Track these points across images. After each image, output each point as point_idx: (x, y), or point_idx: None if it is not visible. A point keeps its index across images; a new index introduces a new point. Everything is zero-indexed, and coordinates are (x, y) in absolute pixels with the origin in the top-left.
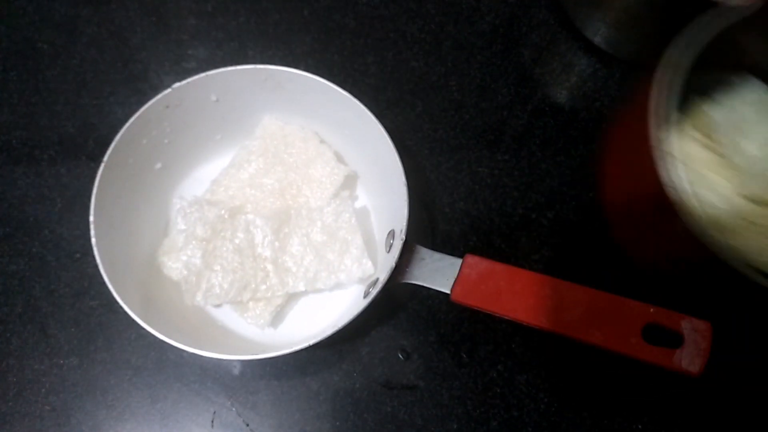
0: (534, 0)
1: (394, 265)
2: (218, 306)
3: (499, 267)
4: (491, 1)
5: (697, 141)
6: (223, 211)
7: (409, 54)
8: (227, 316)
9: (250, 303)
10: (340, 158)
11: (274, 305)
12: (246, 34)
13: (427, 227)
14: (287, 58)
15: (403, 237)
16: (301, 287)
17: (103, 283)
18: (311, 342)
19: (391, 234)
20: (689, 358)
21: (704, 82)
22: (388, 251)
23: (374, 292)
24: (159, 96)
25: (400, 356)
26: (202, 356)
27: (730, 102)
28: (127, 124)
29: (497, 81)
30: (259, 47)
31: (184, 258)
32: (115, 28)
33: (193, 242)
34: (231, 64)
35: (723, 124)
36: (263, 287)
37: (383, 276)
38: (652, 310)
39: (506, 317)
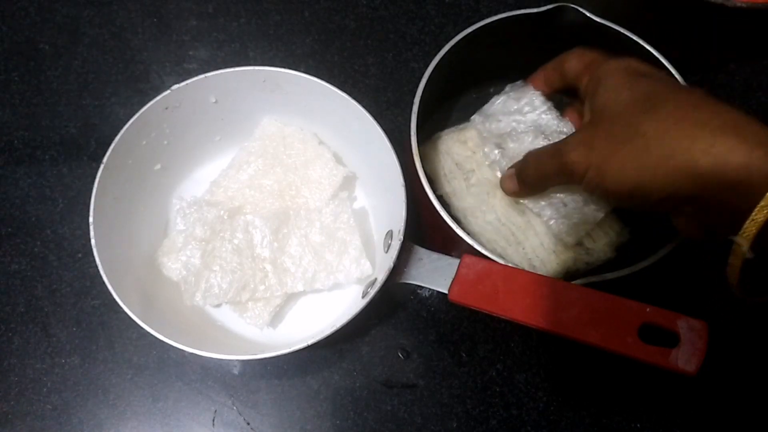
0: (533, 1)
1: (392, 265)
2: (217, 306)
3: (496, 267)
4: (491, 3)
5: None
6: (222, 212)
7: (409, 55)
8: (226, 316)
9: (249, 303)
10: (338, 159)
11: (273, 305)
12: (247, 35)
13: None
14: (288, 59)
15: (401, 237)
16: (300, 287)
17: (104, 282)
18: (310, 342)
19: (390, 234)
20: (685, 358)
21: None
22: (386, 251)
23: (372, 292)
24: (158, 98)
25: (400, 355)
26: (202, 356)
27: (512, 111)
28: (126, 126)
29: None
30: (259, 48)
31: (184, 258)
32: (117, 29)
33: (193, 243)
34: (232, 65)
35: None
36: (262, 287)
37: (381, 276)
38: (648, 309)
39: (504, 317)
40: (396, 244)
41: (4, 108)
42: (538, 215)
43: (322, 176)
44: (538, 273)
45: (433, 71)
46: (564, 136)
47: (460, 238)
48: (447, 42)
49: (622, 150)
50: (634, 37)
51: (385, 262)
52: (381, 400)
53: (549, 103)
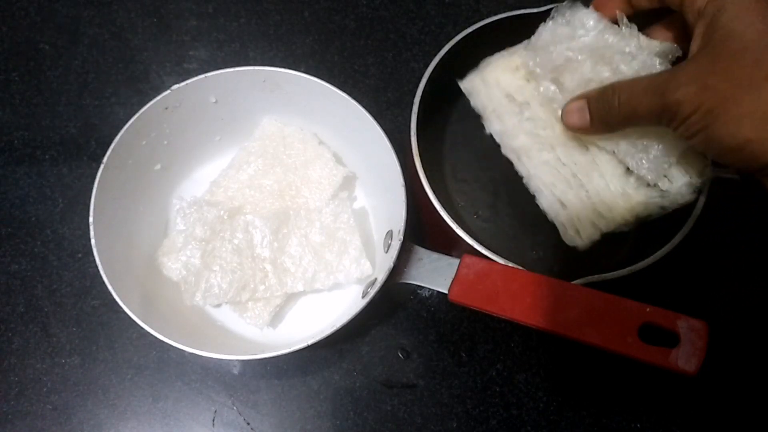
0: (533, 1)
1: (392, 265)
2: (217, 306)
3: (496, 267)
4: (491, 3)
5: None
6: (222, 212)
7: (408, 55)
8: (226, 316)
9: (249, 303)
10: (338, 159)
11: (273, 305)
12: (247, 35)
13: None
14: (288, 59)
15: (401, 237)
16: (300, 287)
17: (104, 282)
18: (309, 342)
19: (390, 234)
20: (685, 358)
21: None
22: (386, 251)
23: (372, 292)
24: (158, 98)
25: (400, 355)
26: (202, 356)
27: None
28: (126, 126)
29: None
30: (259, 48)
31: (184, 258)
32: (117, 29)
33: (193, 243)
34: (232, 65)
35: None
36: (262, 287)
37: (381, 276)
38: (648, 309)
39: (504, 317)
40: (396, 244)
41: (4, 108)
42: (612, 152)
43: (322, 176)
44: (607, 220)
45: (433, 71)
46: (632, 58)
47: (460, 238)
48: (447, 42)
49: (748, 94)
50: None
51: (385, 262)
52: (381, 400)
53: (605, 20)
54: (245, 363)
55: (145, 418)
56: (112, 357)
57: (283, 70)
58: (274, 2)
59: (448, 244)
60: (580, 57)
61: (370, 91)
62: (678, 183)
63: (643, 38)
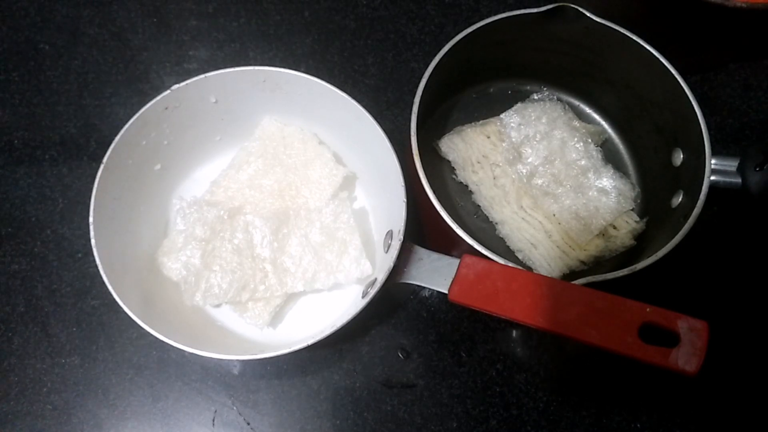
0: (533, 2)
1: (392, 265)
2: (217, 306)
3: (496, 267)
4: (491, 3)
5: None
6: (222, 212)
7: (409, 55)
8: (227, 316)
9: (249, 303)
10: (338, 159)
11: (273, 305)
12: (247, 35)
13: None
14: (288, 59)
15: (401, 237)
16: (300, 287)
17: (104, 282)
18: (309, 342)
19: (390, 234)
20: (685, 358)
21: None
22: (386, 251)
23: (372, 292)
24: (158, 98)
25: (400, 355)
26: (202, 356)
27: (530, 116)
28: (126, 126)
29: None
30: (259, 48)
31: (184, 258)
32: (117, 29)
33: (193, 243)
34: (232, 65)
35: (516, 132)
36: (262, 287)
37: (381, 276)
38: (648, 309)
39: (504, 317)
40: (396, 244)
41: (4, 108)
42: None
43: (322, 176)
44: (570, 258)
45: (433, 71)
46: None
47: (460, 238)
48: (447, 42)
49: None
50: (634, 37)
51: (385, 262)
52: (381, 400)
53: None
54: (245, 363)
55: (144, 418)
56: (112, 357)
57: (283, 70)
58: (274, 2)
59: (448, 244)
60: (537, 137)
61: (370, 91)
62: (622, 231)
63: (579, 123)
